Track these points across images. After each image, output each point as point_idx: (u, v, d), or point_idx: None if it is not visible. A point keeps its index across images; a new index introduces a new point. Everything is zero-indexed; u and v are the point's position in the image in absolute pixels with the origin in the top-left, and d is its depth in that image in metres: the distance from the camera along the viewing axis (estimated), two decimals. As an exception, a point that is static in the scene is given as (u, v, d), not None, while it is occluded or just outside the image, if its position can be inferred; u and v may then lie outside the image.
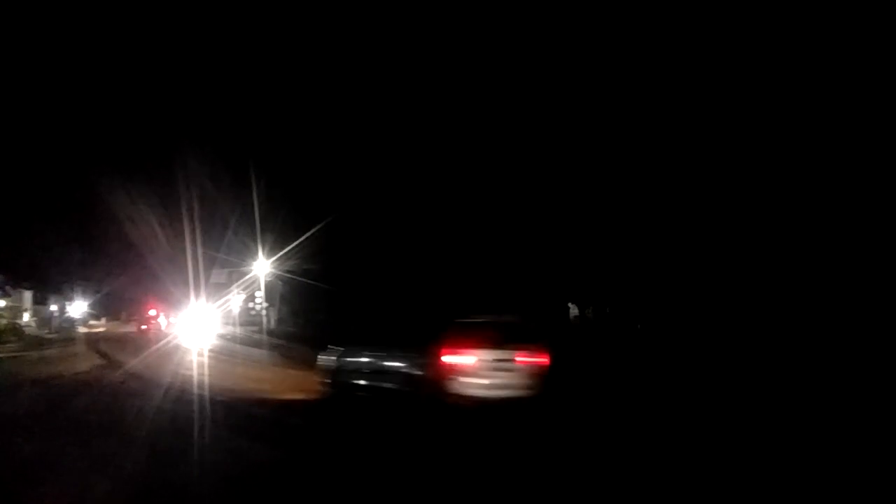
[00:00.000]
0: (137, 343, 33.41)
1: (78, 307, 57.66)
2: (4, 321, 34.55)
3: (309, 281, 30.57)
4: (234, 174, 31.30)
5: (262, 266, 33.74)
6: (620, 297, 21.95)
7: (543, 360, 10.48)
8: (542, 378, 10.31)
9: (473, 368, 10.25)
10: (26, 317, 47.43)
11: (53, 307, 56.50)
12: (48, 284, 55.01)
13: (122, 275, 61.82)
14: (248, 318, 38.87)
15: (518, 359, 10.34)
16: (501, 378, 10.27)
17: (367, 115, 25.29)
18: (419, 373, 10.95)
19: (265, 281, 34.99)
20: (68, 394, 13.26)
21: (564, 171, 19.91)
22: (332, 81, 26.73)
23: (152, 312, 60.70)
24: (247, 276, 34.85)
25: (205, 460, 7.08)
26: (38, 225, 50.84)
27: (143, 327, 54.14)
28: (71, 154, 46.45)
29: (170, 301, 57.46)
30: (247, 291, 38.79)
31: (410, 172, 23.87)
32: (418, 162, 23.57)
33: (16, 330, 33.00)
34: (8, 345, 27.67)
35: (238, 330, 33.99)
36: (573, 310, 23.82)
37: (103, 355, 24.94)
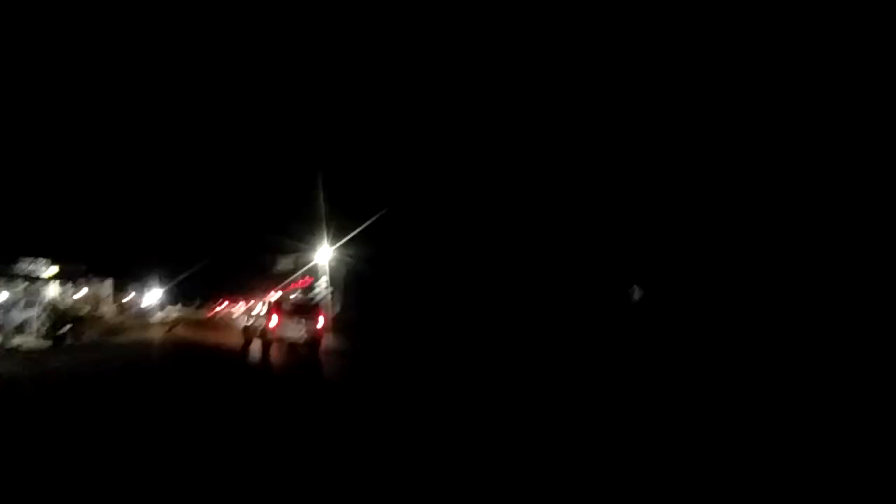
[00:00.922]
0: (207, 328, 34.80)
1: (154, 295, 60.20)
2: (87, 309, 36.40)
3: (371, 267, 31.03)
4: (302, 161, 31.96)
5: (327, 252, 34.45)
6: (681, 281, 21.31)
7: (321, 321, 21.93)
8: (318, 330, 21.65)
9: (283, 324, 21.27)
10: (106, 305, 49.85)
11: (131, 295, 59.26)
12: (126, 273, 57.77)
13: (196, 263, 64.43)
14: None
15: (307, 320, 21.57)
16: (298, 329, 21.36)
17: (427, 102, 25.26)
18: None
19: (329, 267, 35.74)
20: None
21: (631, 157, 19.44)
22: (399, 59, 26.73)
23: (223, 300, 63.29)
24: (311, 263, 35.65)
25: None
26: (116, 214, 53.47)
27: (213, 313, 56.85)
28: (144, 145, 48.51)
29: (240, 288, 59.64)
30: (311, 279, 39.65)
31: (470, 156, 23.79)
32: (481, 145, 23.46)
33: (98, 318, 34.70)
34: (89, 331, 29.20)
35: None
36: (636, 292, 23.25)
37: (179, 341, 26.14)
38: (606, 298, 22.86)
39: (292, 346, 21.63)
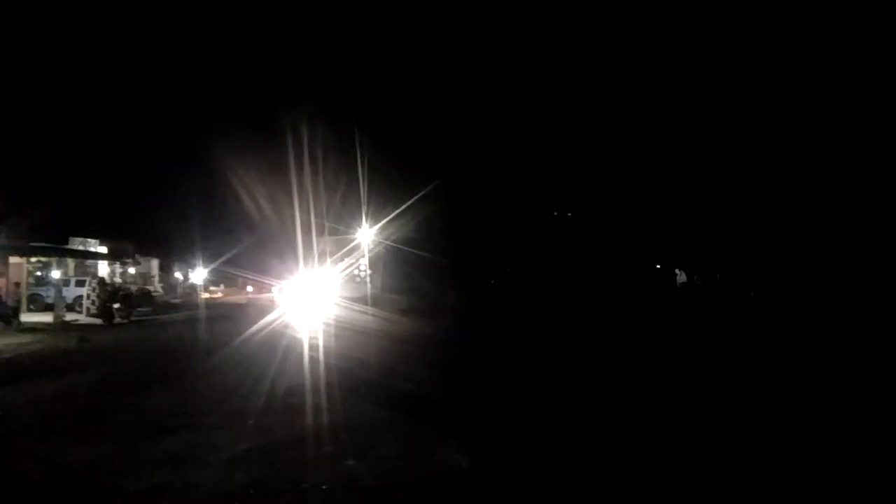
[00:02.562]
0: (248, 307, 35.62)
1: (199, 274, 61.59)
2: (136, 287, 37.54)
3: (411, 250, 31.20)
4: (343, 145, 32.24)
5: (367, 234, 34.72)
6: (732, 265, 21.00)
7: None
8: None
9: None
10: (153, 283, 51.27)
11: (178, 274, 60.77)
12: (172, 253, 59.32)
13: (239, 244, 65.66)
14: (353, 287, 40.16)
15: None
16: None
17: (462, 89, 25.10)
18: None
19: (370, 249, 36.04)
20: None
21: (674, 140, 19.12)
22: (439, 42, 26.59)
23: (262, 281, 64.36)
24: (352, 245, 35.98)
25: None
26: (163, 197, 54.66)
27: (251, 290, 58.38)
28: (192, 131, 49.42)
29: (280, 269, 60.51)
30: (352, 260, 40.04)
31: (514, 142, 23.69)
32: (525, 130, 23.33)
33: (147, 295, 35.79)
34: (141, 308, 30.09)
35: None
36: (680, 276, 23.00)
37: (224, 316, 26.89)
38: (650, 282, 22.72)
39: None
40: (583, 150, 21.45)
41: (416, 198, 26.91)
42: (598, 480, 6.03)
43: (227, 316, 29.36)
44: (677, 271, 23.03)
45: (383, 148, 29.11)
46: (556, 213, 23.11)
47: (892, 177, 14.54)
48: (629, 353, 15.11)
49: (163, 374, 12.28)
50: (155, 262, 54.95)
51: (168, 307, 36.12)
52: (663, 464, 6.42)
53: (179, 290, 54.91)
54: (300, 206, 33.55)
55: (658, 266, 22.79)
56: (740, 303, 20.16)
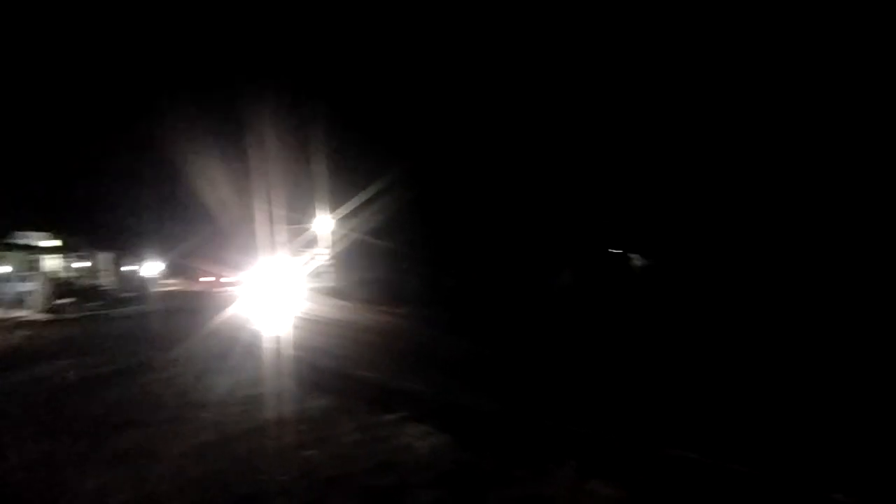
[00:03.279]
0: (206, 298, 34.99)
1: (152, 267, 60.13)
2: (86, 281, 36.45)
3: (373, 240, 30.96)
4: (300, 133, 31.61)
5: (326, 223, 34.37)
6: (688, 249, 21.44)
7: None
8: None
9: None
10: (107, 277, 49.84)
11: (129, 268, 59.24)
12: (122, 246, 57.71)
13: (196, 234, 64.30)
14: (317, 277, 39.78)
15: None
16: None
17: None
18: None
19: (329, 238, 35.72)
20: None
21: (629, 120, 19.34)
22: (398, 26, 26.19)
23: (219, 272, 63.52)
24: (311, 234, 35.59)
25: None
26: (111, 188, 53.17)
27: (207, 282, 57.73)
28: (140, 118, 47.97)
29: (241, 259, 59.70)
30: (311, 249, 39.62)
31: (464, 127, 23.65)
32: (476, 115, 23.28)
33: (97, 290, 34.75)
34: (92, 303, 29.24)
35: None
36: (637, 260, 23.42)
37: (179, 309, 26.37)
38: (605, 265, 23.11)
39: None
40: (537, 135, 21.54)
41: (377, 187, 26.67)
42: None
43: (183, 309, 28.76)
44: (632, 255, 23.44)
45: (349, 132, 28.64)
46: (512, 200, 23.20)
47: (831, 153, 14.98)
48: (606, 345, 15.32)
49: (112, 371, 11.96)
50: (106, 256, 53.40)
51: (120, 301, 35.15)
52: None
53: (131, 283, 53.48)
54: (260, 193, 32.96)
55: (613, 250, 23.15)
56: (692, 284, 20.64)
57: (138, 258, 61.17)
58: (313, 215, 34.30)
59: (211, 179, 38.89)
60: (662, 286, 21.43)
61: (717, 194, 18.20)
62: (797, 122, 15.37)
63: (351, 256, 37.51)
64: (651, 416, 7.67)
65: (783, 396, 8.51)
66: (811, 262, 16.28)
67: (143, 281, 56.13)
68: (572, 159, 20.81)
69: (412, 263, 29.93)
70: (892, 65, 13.21)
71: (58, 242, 37.22)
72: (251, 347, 14.24)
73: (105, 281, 45.68)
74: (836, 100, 14.58)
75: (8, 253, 31.82)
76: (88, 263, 47.97)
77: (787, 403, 8.14)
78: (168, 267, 67.44)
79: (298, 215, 36.28)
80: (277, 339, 15.54)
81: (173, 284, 67.03)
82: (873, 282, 13.97)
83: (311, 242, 36.77)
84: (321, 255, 37.08)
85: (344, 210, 30.70)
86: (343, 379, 10.41)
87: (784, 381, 9.54)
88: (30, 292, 26.73)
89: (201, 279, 69.06)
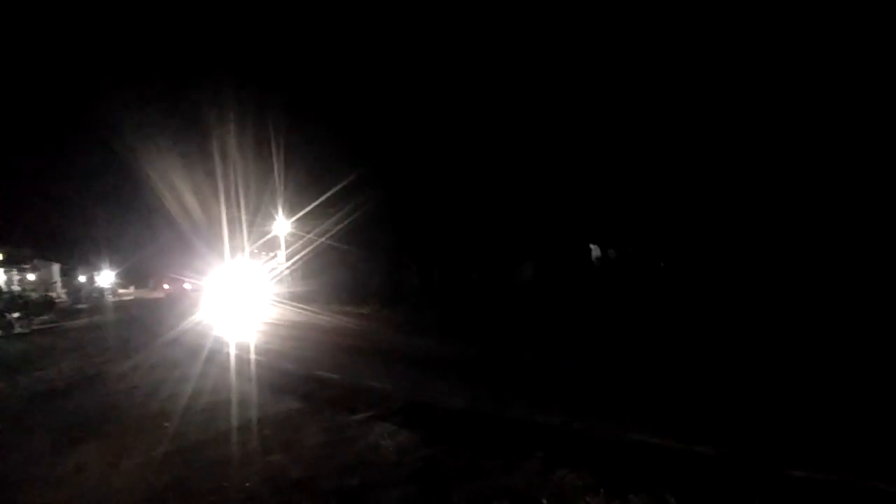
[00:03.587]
0: (162, 307, 34.25)
1: (106, 277, 58.63)
2: (36, 294, 35.25)
3: (333, 241, 30.57)
4: (260, 134, 30.86)
5: (284, 227, 33.89)
6: (644, 237, 21.71)
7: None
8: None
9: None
10: (56, 289, 48.38)
11: (82, 278, 57.59)
12: (75, 256, 56.10)
13: (149, 243, 62.86)
14: (276, 280, 39.26)
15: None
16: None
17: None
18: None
19: (283, 241, 35.24)
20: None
21: (585, 109, 19.45)
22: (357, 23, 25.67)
23: (177, 278, 62.56)
24: (268, 237, 35.09)
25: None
26: (63, 197, 51.50)
27: (166, 288, 56.93)
28: (88, 119, 46.35)
29: (195, 265, 58.68)
30: (269, 253, 39.09)
31: (418, 114, 23.48)
32: (428, 102, 23.11)
33: (48, 302, 33.64)
34: (43, 316, 28.31)
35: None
36: (595, 250, 23.66)
37: (133, 319, 25.72)
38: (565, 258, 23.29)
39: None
40: (494, 126, 21.55)
41: (338, 187, 26.28)
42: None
43: (141, 318, 28.07)
44: (592, 246, 23.69)
45: (309, 132, 28.04)
46: (473, 195, 23.19)
47: (792, 145, 15.32)
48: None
49: (66, 386, 11.58)
50: (56, 267, 51.85)
51: (72, 313, 34.10)
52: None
53: (84, 294, 52.01)
54: (220, 197, 32.23)
55: (573, 242, 23.36)
56: (652, 274, 20.98)
57: (93, 267, 59.55)
58: (274, 218, 33.79)
59: (169, 184, 37.81)
60: (621, 277, 21.73)
61: (675, 184, 18.50)
62: (755, 105, 15.65)
63: (314, 259, 37.11)
64: (613, 404, 7.77)
65: (739, 379, 8.72)
66: (766, 251, 16.68)
67: (98, 290, 54.67)
68: (532, 151, 20.89)
69: (375, 264, 29.75)
70: (877, 62, 13.49)
71: (1, 255, 35.95)
72: (213, 354, 13.98)
73: (57, 293, 44.33)
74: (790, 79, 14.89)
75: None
76: (39, 275, 46.51)
77: (741, 387, 8.34)
78: (125, 275, 65.92)
79: (259, 219, 35.72)
80: (239, 345, 15.28)
81: (132, 293, 65.44)
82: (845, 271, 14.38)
83: (273, 246, 36.27)
84: (283, 260, 36.60)
85: (305, 212, 30.26)
86: (307, 381, 10.28)
87: (738, 364, 9.79)
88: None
89: (165, 286, 67.74)
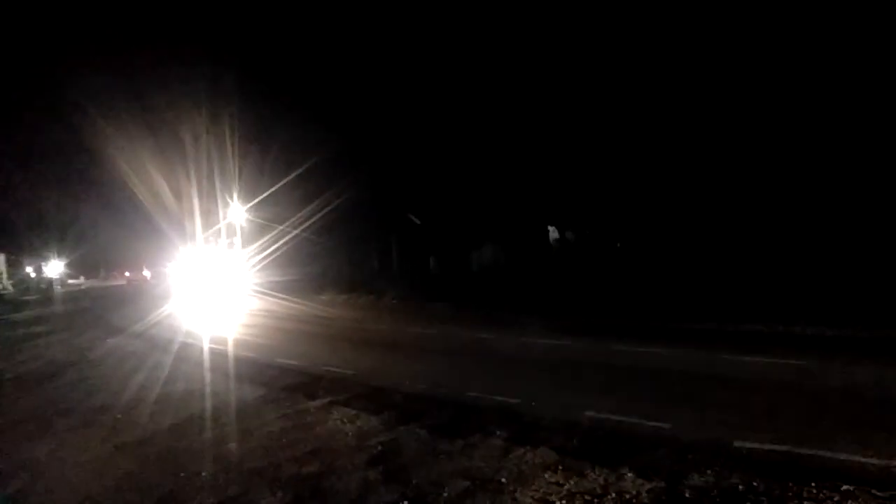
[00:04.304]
0: (117, 295, 33.37)
1: (55, 267, 56.79)
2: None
3: (282, 227, 30.00)
4: (212, 119, 29.90)
5: (239, 213, 33.25)
6: (601, 219, 21.97)
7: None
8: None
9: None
10: (2, 280, 46.69)
11: (29, 268, 55.66)
12: (23, 247, 54.07)
13: (101, 232, 60.98)
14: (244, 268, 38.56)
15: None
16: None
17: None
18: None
19: (243, 228, 34.59)
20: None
21: (540, 90, 19.51)
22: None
23: (136, 266, 61.48)
24: (224, 223, 34.41)
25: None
26: (9, 186, 49.48)
27: (127, 275, 56.15)
28: (34, 97, 44.33)
29: (150, 254, 57.50)
30: (226, 239, 38.33)
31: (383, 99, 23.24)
32: (392, 87, 22.87)
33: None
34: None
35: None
36: (553, 233, 23.87)
37: (83, 311, 25.04)
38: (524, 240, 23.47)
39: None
40: (454, 111, 21.47)
41: (300, 175, 25.76)
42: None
43: (94, 308, 27.29)
44: (550, 228, 23.89)
45: (286, 118, 27.20)
46: (432, 176, 23.10)
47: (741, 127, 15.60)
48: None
49: (13, 379, 11.19)
50: (1, 257, 49.95)
51: (19, 305, 32.98)
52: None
53: (32, 285, 50.32)
54: (183, 183, 31.29)
55: (532, 224, 23.51)
56: (609, 254, 21.28)
57: (41, 257, 57.51)
58: (232, 205, 33.01)
59: (124, 168, 36.41)
60: (579, 257, 22.00)
61: (631, 167, 18.80)
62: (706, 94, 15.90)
63: (278, 251, 36.50)
64: (567, 387, 7.89)
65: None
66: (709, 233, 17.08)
67: (46, 281, 52.91)
68: (492, 135, 20.89)
69: (337, 254, 29.51)
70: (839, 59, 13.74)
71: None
72: (170, 344, 13.69)
73: (3, 283, 42.80)
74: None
75: None
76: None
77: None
78: (75, 264, 63.85)
79: (219, 207, 34.92)
80: (196, 334, 15.01)
81: (82, 282, 63.56)
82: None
83: (232, 235, 35.54)
84: (251, 248, 35.86)
85: (274, 202, 29.56)
86: (266, 369, 10.16)
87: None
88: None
89: (109, 276, 66.12)
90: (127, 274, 63.06)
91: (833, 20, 13.68)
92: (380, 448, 5.93)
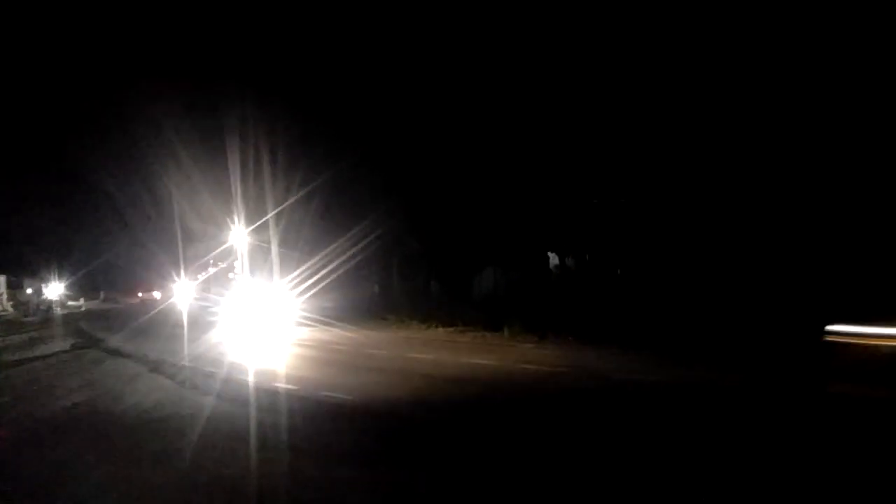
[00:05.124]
0: (109, 316, 33.27)
1: (55, 289, 56.76)
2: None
3: (284, 250, 29.83)
4: (210, 143, 29.86)
5: (241, 236, 33.22)
6: (601, 246, 21.92)
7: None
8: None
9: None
10: (2, 302, 46.66)
11: (29, 290, 55.65)
12: (23, 268, 54.18)
13: (100, 256, 61.10)
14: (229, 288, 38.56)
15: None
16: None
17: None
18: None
19: (246, 251, 34.53)
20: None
21: (542, 118, 19.56)
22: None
23: (143, 288, 63.01)
24: (226, 246, 34.39)
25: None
26: (10, 207, 49.69)
27: (140, 296, 58.27)
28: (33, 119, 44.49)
29: (153, 277, 57.74)
30: (227, 261, 38.38)
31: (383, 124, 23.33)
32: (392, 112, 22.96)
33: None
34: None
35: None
36: (553, 259, 23.86)
37: (86, 332, 24.88)
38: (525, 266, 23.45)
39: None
40: (457, 136, 21.54)
41: (289, 202, 25.75)
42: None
43: (93, 332, 27.12)
44: (550, 254, 23.89)
45: (260, 146, 27.14)
46: (436, 203, 23.14)
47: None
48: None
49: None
50: (2, 279, 49.98)
51: (18, 327, 32.84)
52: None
53: (32, 307, 50.22)
54: (169, 212, 31.13)
55: (532, 250, 23.51)
56: (609, 281, 21.22)
57: (41, 279, 57.44)
58: (228, 230, 32.83)
59: (120, 203, 36.51)
60: (579, 284, 21.94)
61: (631, 194, 18.89)
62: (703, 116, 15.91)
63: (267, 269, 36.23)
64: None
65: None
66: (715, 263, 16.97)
67: (46, 303, 52.80)
68: (493, 162, 20.97)
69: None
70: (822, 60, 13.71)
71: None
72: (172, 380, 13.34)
73: (3, 305, 42.74)
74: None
75: None
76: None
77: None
78: (73, 288, 63.75)
79: (214, 229, 34.82)
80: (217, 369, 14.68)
81: (82, 304, 63.33)
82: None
83: (227, 256, 35.49)
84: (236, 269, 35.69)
85: (260, 223, 29.41)
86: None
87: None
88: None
89: (109, 299, 66.26)
90: (140, 294, 65.51)
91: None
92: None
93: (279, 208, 26.97)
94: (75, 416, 9.04)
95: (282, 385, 10.61)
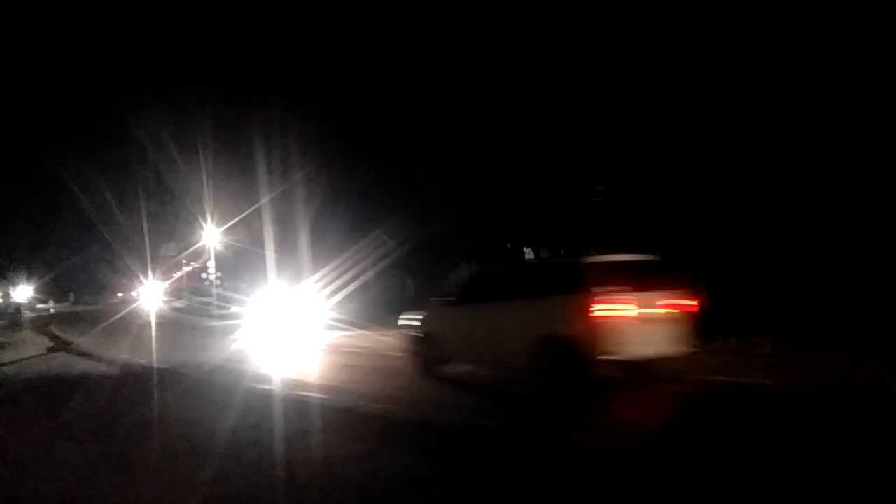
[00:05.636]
0: (88, 322, 32.70)
1: (23, 292, 55.70)
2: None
3: (256, 250, 29.57)
4: (182, 144, 29.48)
5: (213, 237, 32.90)
6: (576, 239, 21.95)
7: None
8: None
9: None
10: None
11: (-3, 294, 54.64)
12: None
13: (69, 258, 59.97)
14: (202, 290, 38.18)
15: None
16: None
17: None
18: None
19: (217, 252, 34.25)
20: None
21: (517, 112, 19.50)
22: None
23: (119, 289, 62.46)
24: (196, 247, 34.05)
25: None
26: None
27: (120, 296, 58.44)
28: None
29: (123, 279, 56.80)
30: (199, 263, 37.98)
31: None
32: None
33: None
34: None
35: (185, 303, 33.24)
36: (528, 254, 23.92)
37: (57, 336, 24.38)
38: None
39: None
40: (431, 130, 21.46)
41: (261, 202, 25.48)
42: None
43: (64, 336, 26.56)
44: (525, 249, 23.96)
45: (230, 148, 26.73)
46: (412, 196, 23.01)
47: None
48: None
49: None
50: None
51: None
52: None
53: (2, 309, 49.14)
54: (139, 213, 30.65)
55: (507, 245, 23.57)
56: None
57: (8, 282, 56.17)
58: (200, 231, 32.56)
59: (89, 203, 35.90)
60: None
61: (607, 190, 18.98)
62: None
63: (239, 270, 35.97)
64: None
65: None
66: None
67: (14, 306, 51.57)
68: (467, 157, 20.91)
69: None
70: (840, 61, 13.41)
71: None
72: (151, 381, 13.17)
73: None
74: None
75: None
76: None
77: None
78: (41, 291, 62.39)
79: (185, 230, 34.45)
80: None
81: (51, 307, 61.99)
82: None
83: (199, 257, 35.13)
84: (208, 270, 35.39)
85: (231, 224, 29.16)
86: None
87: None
88: None
89: (79, 302, 65.37)
90: (119, 295, 65.87)
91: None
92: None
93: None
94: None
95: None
